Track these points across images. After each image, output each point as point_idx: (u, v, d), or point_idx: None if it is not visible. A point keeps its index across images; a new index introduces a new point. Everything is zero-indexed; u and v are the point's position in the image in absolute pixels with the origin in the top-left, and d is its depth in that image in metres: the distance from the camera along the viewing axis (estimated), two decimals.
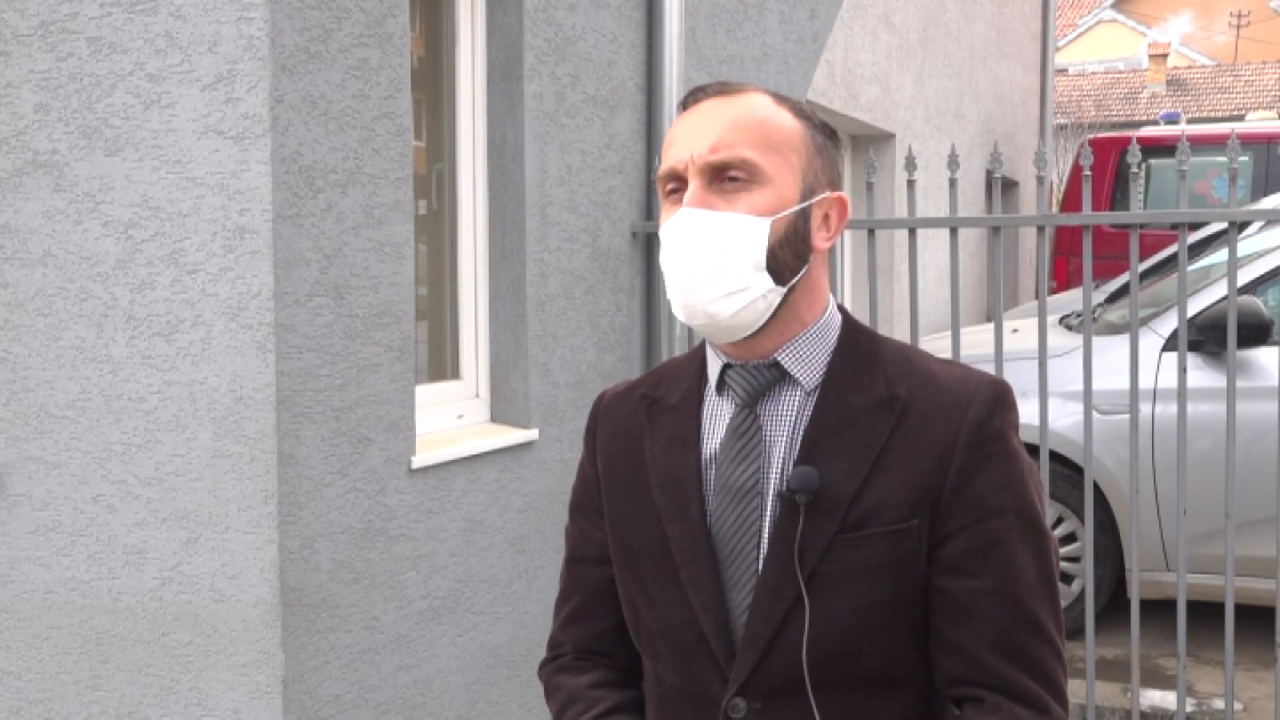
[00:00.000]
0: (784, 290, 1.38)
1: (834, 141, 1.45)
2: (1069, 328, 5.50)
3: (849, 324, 1.46)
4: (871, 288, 3.69)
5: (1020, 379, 4.39)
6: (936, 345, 5.08)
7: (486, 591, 3.29)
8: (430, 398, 3.28)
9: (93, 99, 2.59)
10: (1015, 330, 5.40)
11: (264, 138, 2.52)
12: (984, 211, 10.56)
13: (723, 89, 1.41)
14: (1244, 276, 4.63)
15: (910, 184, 3.62)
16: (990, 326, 5.38)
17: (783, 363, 1.41)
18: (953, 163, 3.53)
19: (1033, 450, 4.32)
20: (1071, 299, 7.30)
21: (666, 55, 4.02)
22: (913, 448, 1.35)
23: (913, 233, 3.64)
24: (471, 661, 3.23)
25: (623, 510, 1.49)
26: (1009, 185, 12.39)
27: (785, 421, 1.40)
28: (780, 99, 1.42)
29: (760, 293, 1.36)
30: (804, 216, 1.39)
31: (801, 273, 1.39)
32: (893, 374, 1.40)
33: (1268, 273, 4.74)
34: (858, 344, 1.43)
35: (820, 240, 1.41)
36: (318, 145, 2.65)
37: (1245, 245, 5.00)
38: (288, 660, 2.62)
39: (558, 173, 3.58)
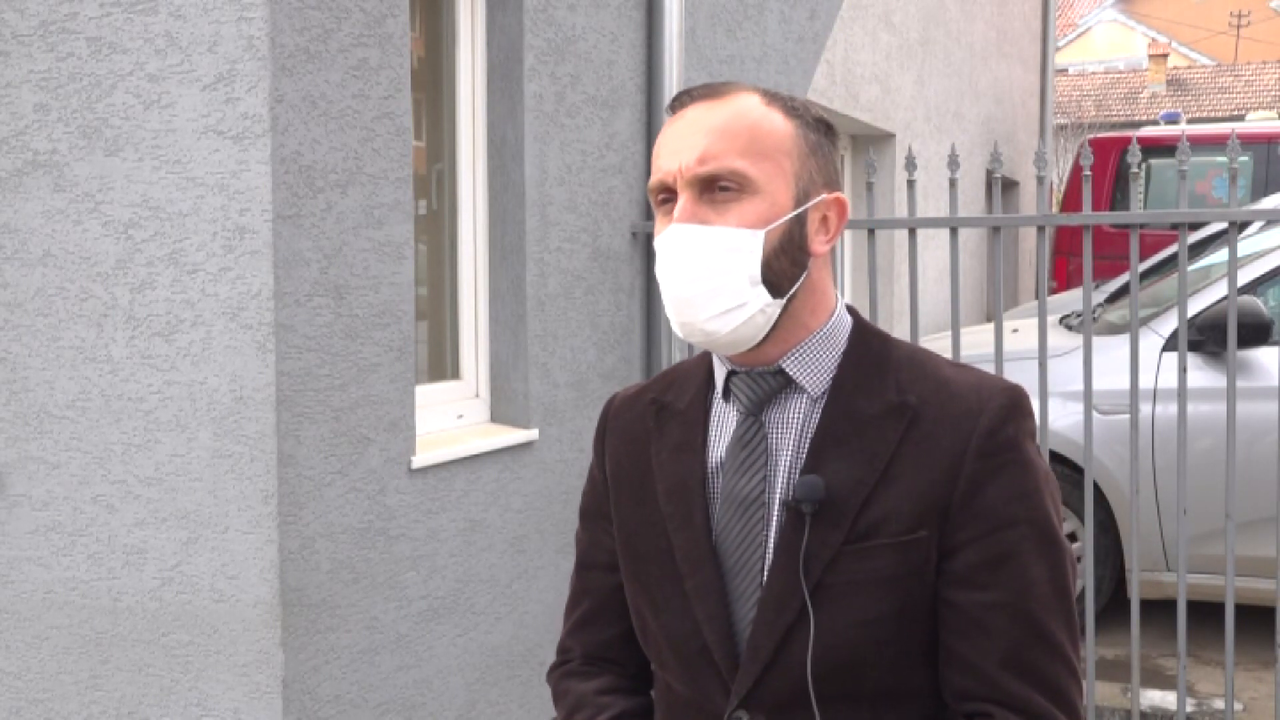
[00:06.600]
0: (783, 301, 1.33)
1: (830, 138, 1.39)
2: (1069, 328, 5.49)
3: (859, 327, 1.40)
4: (871, 288, 3.68)
5: (1020, 379, 4.38)
6: (937, 345, 5.07)
7: (486, 591, 3.28)
8: (430, 398, 3.28)
9: (93, 99, 2.59)
10: (1015, 330, 5.39)
11: (264, 138, 2.51)
12: (984, 211, 10.55)
13: (709, 92, 1.36)
14: (1244, 276, 4.62)
15: (910, 184, 3.61)
16: (990, 326, 5.37)
17: (788, 370, 1.36)
18: (953, 163, 3.53)
19: None
20: (1071, 299, 7.29)
21: (666, 55, 4.01)
22: (922, 457, 1.30)
23: (913, 233, 3.64)
24: (471, 661, 3.23)
25: (630, 516, 1.46)
26: (1009, 185, 12.38)
27: (791, 429, 1.36)
28: (771, 98, 1.36)
29: (758, 307, 1.31)
30: (799, 222, 1.33)
31: (800, 280, 1.34)
32: (904, 379, 1.35)
33: (1268, 273, 4.73)
34: (868, 348, 1.38)
35: (819, 244, 1.35)
36: (318, 145, 2.65)
37: (1245, 245, 4.99)
38: (288, 660, 2.61)
39: (558, 173, 3.57)
